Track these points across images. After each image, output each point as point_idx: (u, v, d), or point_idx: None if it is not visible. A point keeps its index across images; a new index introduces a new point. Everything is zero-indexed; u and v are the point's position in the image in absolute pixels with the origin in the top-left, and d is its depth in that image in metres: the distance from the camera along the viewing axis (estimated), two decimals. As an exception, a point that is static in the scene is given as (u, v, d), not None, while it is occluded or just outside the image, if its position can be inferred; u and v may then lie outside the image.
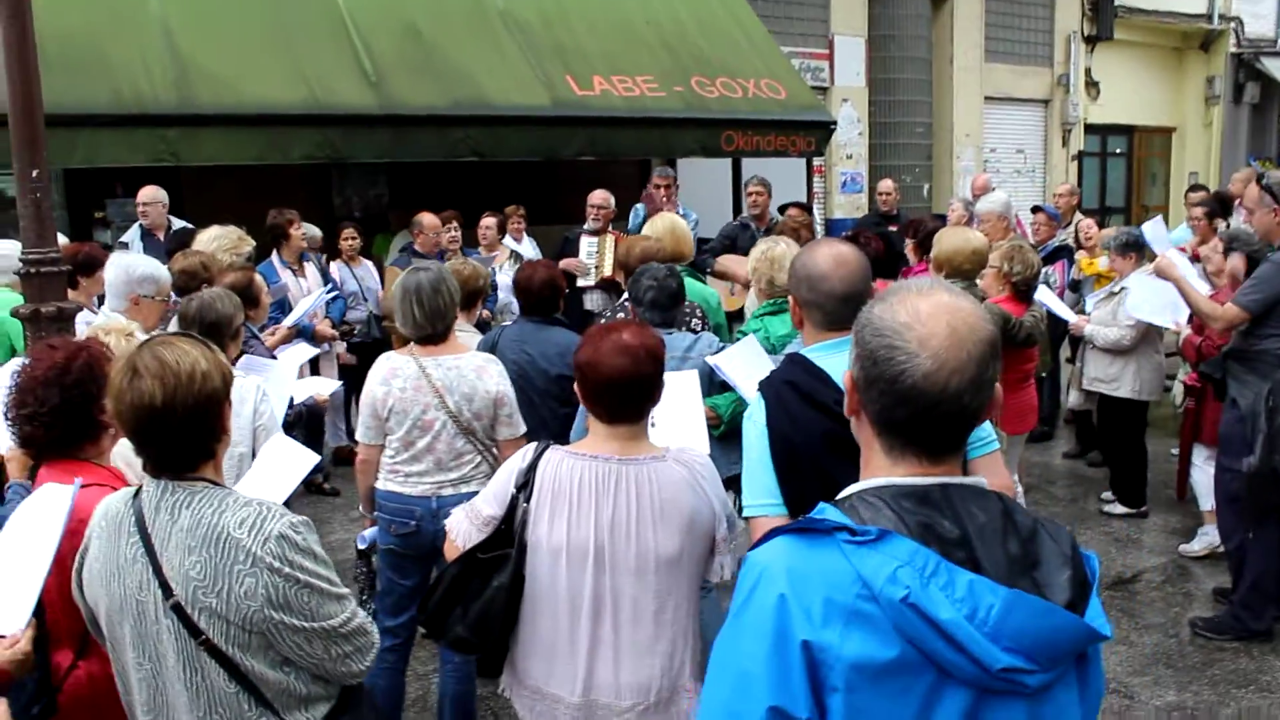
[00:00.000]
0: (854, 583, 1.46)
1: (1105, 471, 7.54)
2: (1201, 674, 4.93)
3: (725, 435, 4.31)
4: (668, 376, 3.93)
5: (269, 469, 3.43)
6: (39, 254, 4.49)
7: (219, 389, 2.27)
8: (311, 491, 7.51)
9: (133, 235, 7.69)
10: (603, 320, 4.90)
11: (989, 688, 1.47)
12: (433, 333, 3.96)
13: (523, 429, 4.07)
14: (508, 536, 2.78)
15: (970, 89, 15.58)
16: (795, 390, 2.67)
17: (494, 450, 4.02)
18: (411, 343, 4.01)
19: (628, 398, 2.78)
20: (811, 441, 2.59)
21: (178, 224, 7.55)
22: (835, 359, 2.68)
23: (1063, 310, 7.07)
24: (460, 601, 2.83)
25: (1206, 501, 6.16)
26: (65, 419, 2.68)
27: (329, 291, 7.39)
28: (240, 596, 2.16)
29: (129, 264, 4.71)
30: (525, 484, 2.78)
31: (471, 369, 3.95)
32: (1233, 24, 18.39)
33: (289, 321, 6.28)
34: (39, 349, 2.87)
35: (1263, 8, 18.75)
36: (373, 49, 8.86)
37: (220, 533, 2.18)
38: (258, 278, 5.32)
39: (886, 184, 10.36)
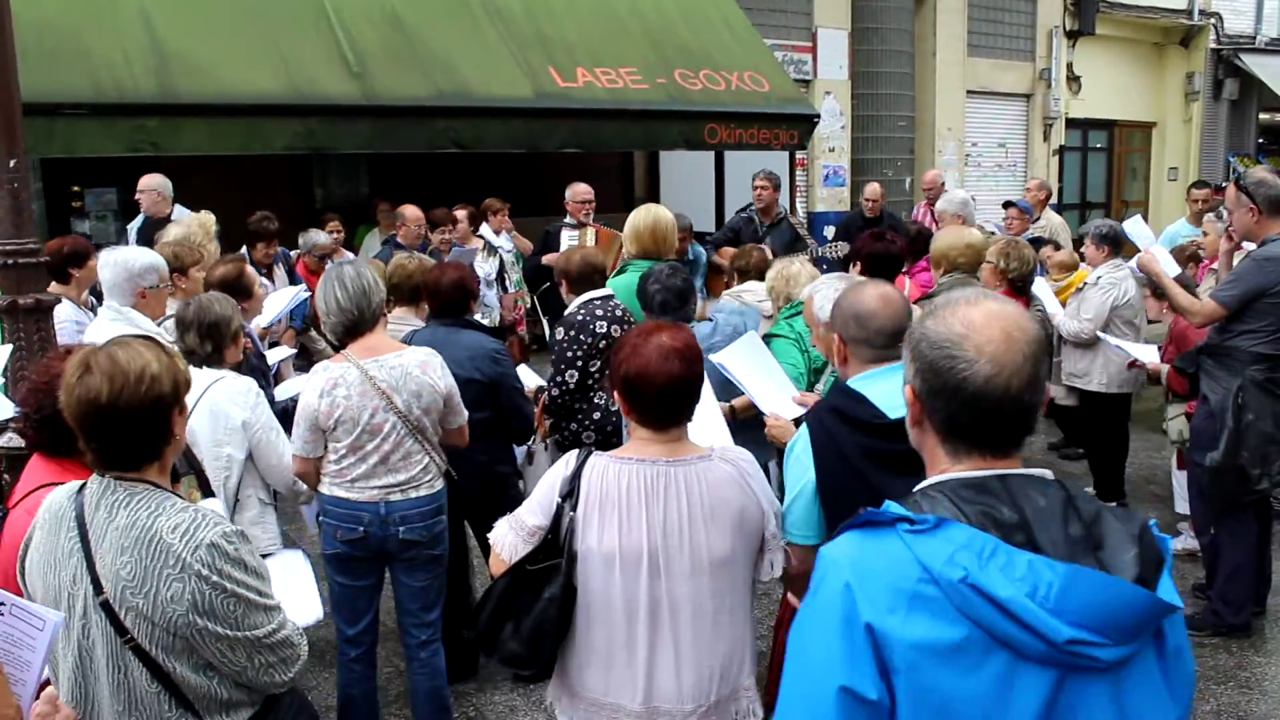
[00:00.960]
0: (914, 567, 1.53)
1: (1084, 465, 7.58)
2: (1182, 669, 4.95)
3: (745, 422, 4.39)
4: (721, 356, 4.01)
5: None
6: (16, 245, 4.43)
7: (167, 393, 2.28)
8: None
9: (134, 225, 7.59)
10: (579, 318, 4.85)
11: (1066, 664, 1.51)
12: (359, 319, 3.86)
13: (465, 414, 4.09)
14: (554, 547, 2.71)
15: (952, 83, 15.61)
16: (836, 413, 2.84)
17: (438, 449, 3.98)
18: (346, 350, 3.91)
19: (681, 402, 2.74)
20: (854, 457, 2.75)
21: (180, 211, 7.42)
22: (874, 386, 2.85)
23: (1052, 305, 7.12)
24: (511, 616, 2.76)
25: (1182, 504, 6.23)
26: (53, 427, 2.73)
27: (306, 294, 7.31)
28: (166, 600, 2.19)
29: (126, 260, 4.63)
30: (570, 492, 2.71)
31: (415, 365, 3.88)
32: (1212, 20, 18.48)
33: (265, 321, 6.19)
34: (53, 354, 2.98)
35: (1242, 4, 18.86)
36: (354, 39, 8.81)
37: (153, 536, 2.21)
38: (249, 269, 5.25)
39: (873, 189, 10.32)
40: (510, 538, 2.82)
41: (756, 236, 8.42)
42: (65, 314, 5.06)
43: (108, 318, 4.55)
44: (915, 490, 1.68)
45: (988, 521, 1.55)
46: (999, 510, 1.57)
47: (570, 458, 2.79)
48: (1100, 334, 6.61)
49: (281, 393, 4.95)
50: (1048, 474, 1.67)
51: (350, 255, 8.74)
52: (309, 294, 7.39)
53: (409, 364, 3.87)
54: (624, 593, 2.67)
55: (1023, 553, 1.51)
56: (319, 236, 8.19)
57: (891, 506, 1.61)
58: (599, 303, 4.88)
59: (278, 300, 6.43)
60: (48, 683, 2.26)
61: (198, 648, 2.24)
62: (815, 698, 1.56)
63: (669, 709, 2.69)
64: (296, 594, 3.31)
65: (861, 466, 2.70)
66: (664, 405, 2.72)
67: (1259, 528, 5.31)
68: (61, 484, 2.70)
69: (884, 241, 5.34)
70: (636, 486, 2.67)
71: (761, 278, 6.12)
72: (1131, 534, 1.58)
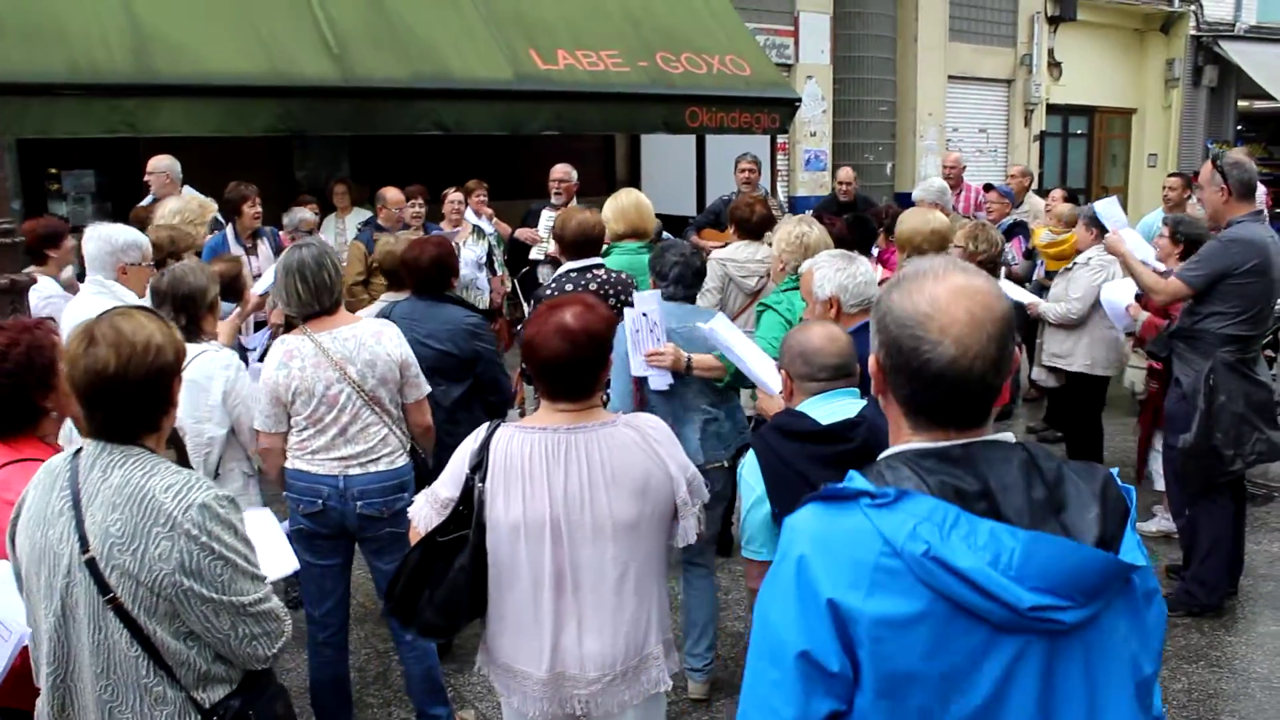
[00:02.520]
0: (876, 541, 1.53)
1: (1062, 449, 7.64)
2: (1154, 649, 5.01)
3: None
4: (712, 324, 4.03)
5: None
6: (-8, 225, 4.42)
7: (170, 362, 2.33)
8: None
9: (144, 204, 7.52)
10: (547, 292, 4.86)
11: (1029, 629, 1.52)
12: (319, 309, 3.88)
13: (427, 389, 4.08)
14: (464, 518, 2.77)
15: (934, 68, 15.63)
16: (778, 430, 3.10)
17: (401, 424, 3.98)
18: (304, 324, 3.92)
19: (566, 379, 2.78)
20: (797, 462, 2.96)
21: (189, 193, 7.34)
22: (816, 409, 3.09)
23: (1020, 294, 7.16)
24: (426, 585, 2.82)
25: (1161, 482, 6.28)
26: (3, 405, 2.75)
27: None
28: (154, 558, 2.21)
29: (109, 234, 4.62)
30: (479, 464, 2.77)
31: (370, 335, 3.89)
32: (1192, 7, 18.56)
33: (258, 289, 6.11)
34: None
35: (1222, -9, 18.96)
36: (334, 20, 8.75)
37: (146, 494, 2.24)
38: (246, 270, 5.26)
39: (846, 172, 10.13)
40: (425, 510, 2.89)
41: None
42: (49, 289, 5.09)
43: (91, 291, 4.54)
44: (879, 459, 1.69)
45: (949, 491, 1.56)
46: (961, 479, 1.57)
47: (480, 430, 2.85)
48: (1106, 297, 6.49)
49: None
50: (1009, 437, 1.68)
51: (324, 237, 8.72)
52: None
53: (363, 335, 3.88)
54: (529, 561, 2.73)
55: (985, 521, 1.52)
56: (304, 213, 8.14)
57: (855, 480, 1.61)
58: (575, 275, 4.87)
59: (268, 277, 6.36)
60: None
61: (182, 611, 2.25)
62: (778, 665, 1.57)
63: (574, 675, 2.76)
64: (269, 548, 3.32)
65: (805, 470, 2.88)
66: (550, 378, 2.79)
67: (1234, 509, 5.37)
68: (19, 461, 2.72)
69: (821, 224, 5.34)
70: (539, 455, 2.73)
71: (759, 236, 6.02)
72: (1094, 491, 1.59)
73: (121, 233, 4.67)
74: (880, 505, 1.55)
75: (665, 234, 7.69)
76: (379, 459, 3.91)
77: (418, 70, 8.77)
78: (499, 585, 2.78)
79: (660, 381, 4.28)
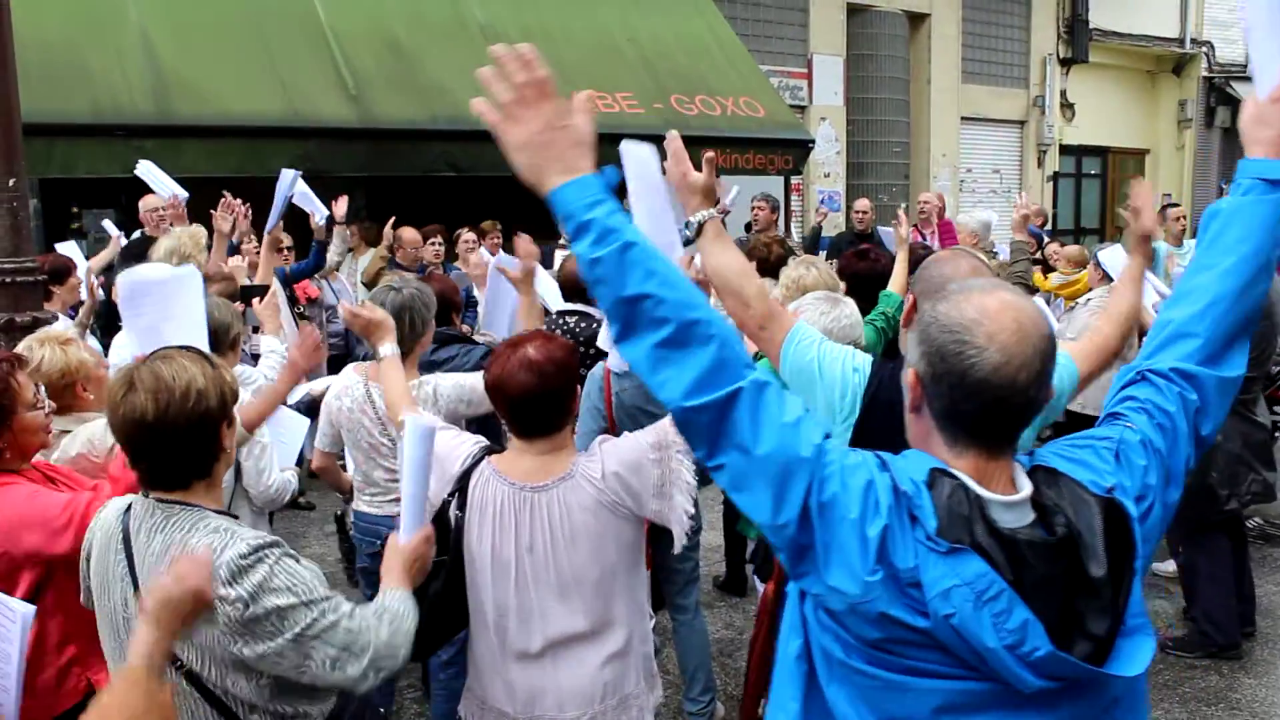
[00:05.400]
0: (909, 572, 1.53)
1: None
2: (1173, 692, 4.96)
3: None
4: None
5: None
6: (15, 264, 4.47)
7: (214, 408, 2.19)
8: (286, 506, 7.43)
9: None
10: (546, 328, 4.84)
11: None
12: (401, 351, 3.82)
13: None
14: (442, 542, 2.71)
15: (947, 109, 15.71)
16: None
17: None
18: (370, 365, 3.87)
19: (538, 414, 2.74)
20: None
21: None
22: None
23: None
24: None
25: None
26: None
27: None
28: (204, 623, 2.08)
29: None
30: (459, 490, 2.77)
31: (422, 394, 3.81)
32: (1204, 48, 18.63)
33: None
34: None
35: (1234, 33, 18.99)
36: (353, 62, 8.87)
37: None
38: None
39: (863, 203, 10.34)
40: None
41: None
42: (61, 325, 5.09)
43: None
44: (942, 470, 1.61)
45: (998, 562, 1.52)
46: (1003, 565, 1.52)
47: (466, 456, 2.82)
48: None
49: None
50: (1027, 489, 1.63)
51: (344, 278, 8.78)
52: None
53: (416, 393, 3.80)
54: (496, 600, 2.73)
55: (1024, 609, 1.50)
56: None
57: (924, 503, 1.56)
58: (555, 318, 4.80)
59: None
60: None
61: (252, 664, 2.12)
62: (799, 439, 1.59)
63: (552, 717, 2.72)
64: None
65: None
66: (518, 415, 2.75)
67: (1232, 547, 5.34)
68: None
69: (868, 260, 5.14)
70: (507, 505, 2.72)
71: (777, 275, 6.00)
72: (1105, 575, 1.56)
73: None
74: (932, 550, 1.53)
75: None
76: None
77: (434, 112, 8.86)
78: (475, 618, 2.78)
79: (619, 364, 3.98)
